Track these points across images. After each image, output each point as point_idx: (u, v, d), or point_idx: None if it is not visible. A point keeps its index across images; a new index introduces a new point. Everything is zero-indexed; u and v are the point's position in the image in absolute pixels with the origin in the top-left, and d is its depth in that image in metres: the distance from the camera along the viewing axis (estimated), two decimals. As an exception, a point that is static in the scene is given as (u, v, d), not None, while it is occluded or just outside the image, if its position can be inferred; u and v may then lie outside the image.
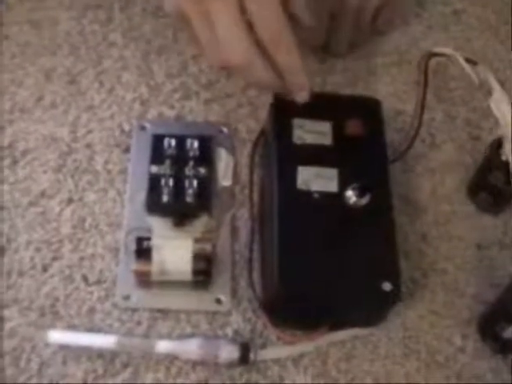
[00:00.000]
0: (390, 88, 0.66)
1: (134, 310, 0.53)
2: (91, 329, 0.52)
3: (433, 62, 0.61)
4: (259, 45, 0.50)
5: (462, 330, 0.55)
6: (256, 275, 0.55)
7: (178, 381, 0.51)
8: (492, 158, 0.57)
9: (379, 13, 0.65)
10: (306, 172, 0.53)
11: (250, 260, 0.55)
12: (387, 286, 0.49)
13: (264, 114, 0.60)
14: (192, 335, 0.52)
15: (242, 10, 0.49)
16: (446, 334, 0.55)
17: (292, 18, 0.52)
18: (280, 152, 0.54)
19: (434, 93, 0.66)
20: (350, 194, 0.50)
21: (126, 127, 0.61)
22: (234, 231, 0.57)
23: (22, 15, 0.66)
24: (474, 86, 0.58)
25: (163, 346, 0.51)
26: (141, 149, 0.59)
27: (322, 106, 0.55)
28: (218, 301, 0.54)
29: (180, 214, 0.54)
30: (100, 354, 0.51)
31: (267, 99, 0.58)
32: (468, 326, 0.55)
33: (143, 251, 0.52)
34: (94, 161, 0.59)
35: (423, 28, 0.71)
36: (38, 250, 0.55)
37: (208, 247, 0.53)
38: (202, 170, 0.56)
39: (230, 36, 0.49)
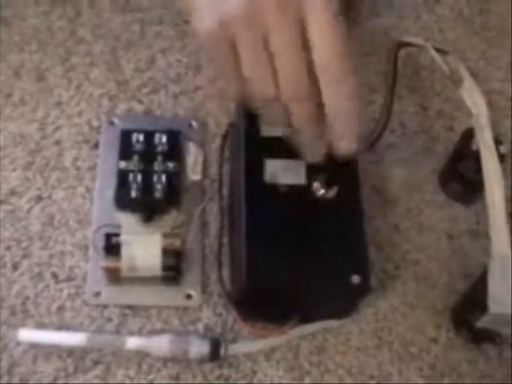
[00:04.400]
0: (361, 78, 0.65)
1: (105, 307, 0.53)
2: (61, 326, 0.52)
3: (403, 52, 0.61)
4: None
5: (434, 320, 0.55)
6: (226, 270, 0.55)
7: (150, 377, 0.51)
8: (463, 148, 0.57)
9: (349, 3, 0.65)
10: (274, 165, 0.52)
11: (220, 254, 0.55)
12: (356, 279, 0.48)
13: (233, 107, 0.59)
14: (162, 331, 0.52)
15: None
16: (418, 325, 0.55)
17: None
18: (247, 145, 0.53)
19: (405, 83, 0.65)
20: (318, 187, 0.50)
21: (95, 123, 0.61)
22: (204, 226, 0.57)
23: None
24: (445, 76, 0.58)
25: (134, 342, 0.50)
26: (110, 145, 0.58)
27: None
28: (189, 296, 0.54)
29: (149, 209, 0.54)
30: (71, 351, 0.51)
31: (236, 92, 0.58)
32: (441, 316, 0.55)
33: (112, 247, 0.52)
34: (62, 157, 0.59)
35: (394, 18, 0.70)
36: (7, 248, 0.55)
37: (177, 242, 0.53)
38: (171, 165, 0.55)
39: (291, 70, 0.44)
